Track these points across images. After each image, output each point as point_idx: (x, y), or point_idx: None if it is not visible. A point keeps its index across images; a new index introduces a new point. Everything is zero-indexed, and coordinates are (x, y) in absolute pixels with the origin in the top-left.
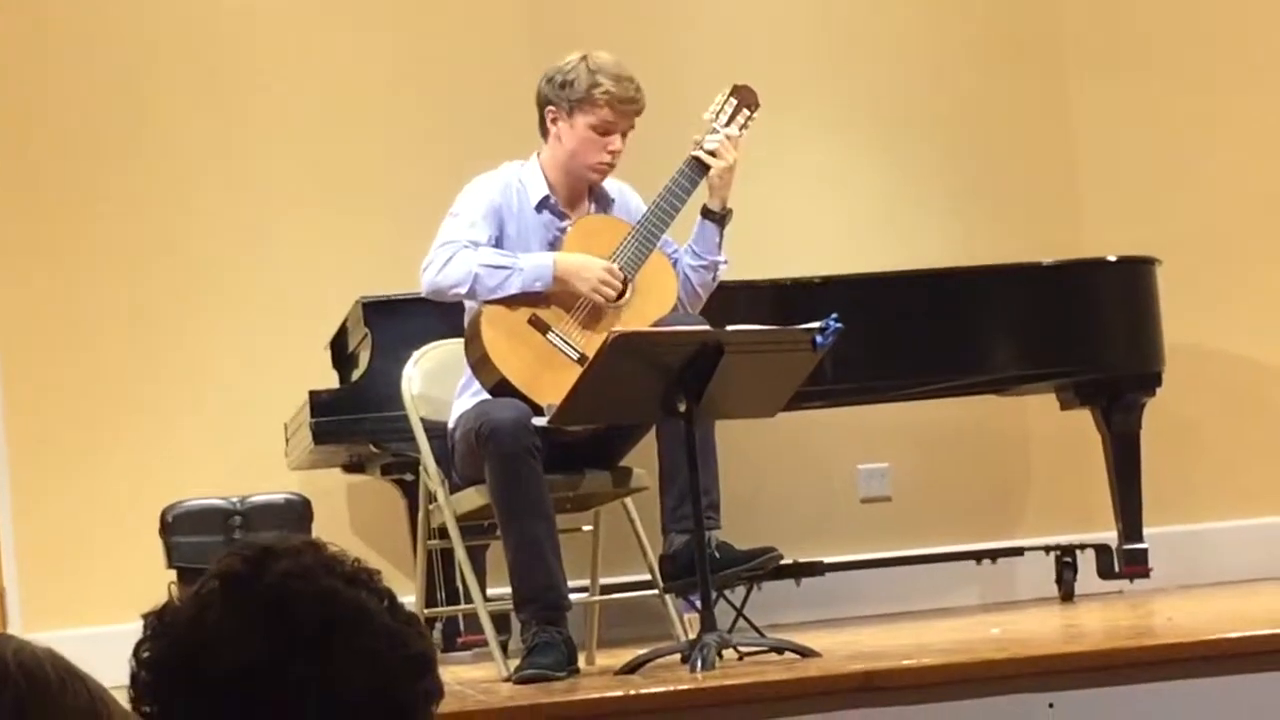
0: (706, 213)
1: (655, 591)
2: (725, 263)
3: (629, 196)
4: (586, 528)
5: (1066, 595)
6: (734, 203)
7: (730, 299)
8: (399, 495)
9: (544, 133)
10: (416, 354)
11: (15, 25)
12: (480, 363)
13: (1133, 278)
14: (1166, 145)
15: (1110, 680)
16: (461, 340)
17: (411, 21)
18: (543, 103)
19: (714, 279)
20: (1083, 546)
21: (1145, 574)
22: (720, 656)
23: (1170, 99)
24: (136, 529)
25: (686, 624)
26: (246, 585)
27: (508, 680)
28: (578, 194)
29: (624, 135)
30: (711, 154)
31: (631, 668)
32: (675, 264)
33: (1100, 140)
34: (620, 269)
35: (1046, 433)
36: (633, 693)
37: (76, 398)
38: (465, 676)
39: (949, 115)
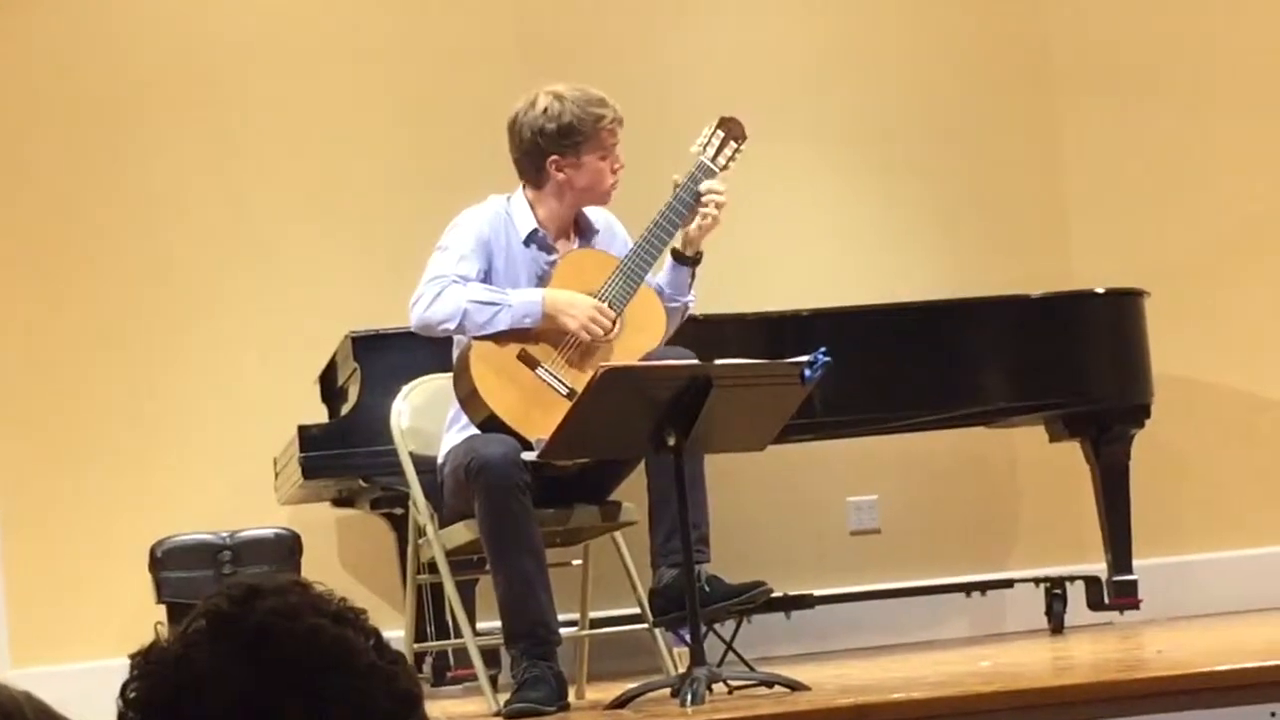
0: (679, 257)
1: (645, 625)
2: (694, 300)
3: (615, 227)
4: (576, 562)
5: (1056, 627)
6: (722, 235)
7: (718, 332)
8: (388, 530)
9: (539, 181)
10: (406, 388)
11: (2, 52)
12: (469, 398)
13: (1121, 309)
14: (1154, 176)
15: (1100, 713)
16: (450, 375)
17: (404, 55)
18: (541, 154)
19: (682, 318)
20: (1072, 578)
21: (1135, 605)
22: (710, 690)
23: (1158, 129)
24: (126, 564)
25: (676, 658)
26: (232, 624)
27: (497, 715)
28: (566, 226)
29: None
30: (706, 205)
31: (621, 702)
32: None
33: (1088, 171)
34: (609, 303)
35: (1035, 464)
36: None
37: (65, 432)
38: (455, 711)
39: (937, 147)
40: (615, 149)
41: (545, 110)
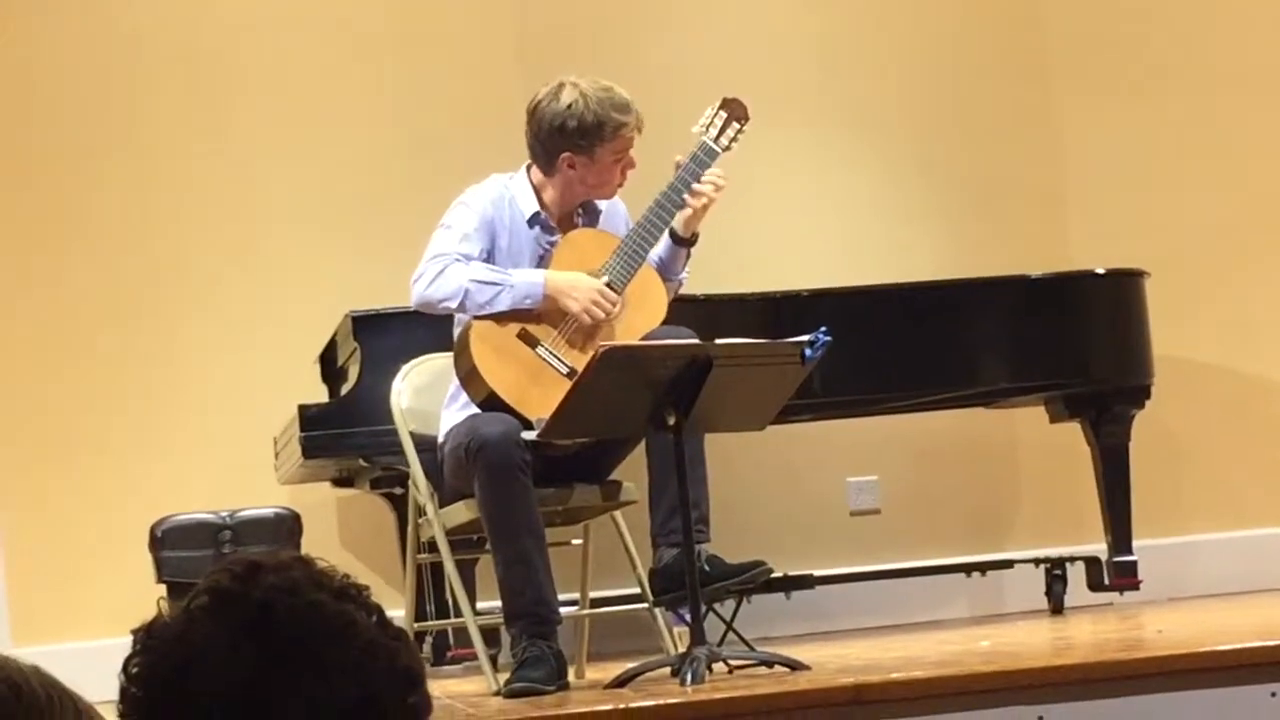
0: (676, 237)
1: (645, 605)
2: (685, 278)
3: (618, 206)
4: (576, 541)
5: (1056, 607)
6: (724, 217)
7: (719, 312)
8: (388, 509)
9: (548, 170)
10: (406, 368)
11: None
12: (469, 376)
13: (1121, 290)
14: (1154, 158)
15: (1100, 693)
16: (451, 354)
17: (401, 38)
18: (556, 148)
19: (674, 293)
20: (1072, 559)
21: (1135, 586)
22: (710, 670)
23: (1157, 112)
24: (126, 543)
25: (676, 637)
26: (235, 600)
27: (497, 694)
28: (569, 212)
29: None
30: (705, 186)
31: (621, 681)
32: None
33: (1088, 153)
34: (610, 283)
35: (1036, 445)
36: (622, 706)
37: (65, 412)
38: (455, 690)
39: (937, 128)
40: (629, 149)
41: (569, 106)
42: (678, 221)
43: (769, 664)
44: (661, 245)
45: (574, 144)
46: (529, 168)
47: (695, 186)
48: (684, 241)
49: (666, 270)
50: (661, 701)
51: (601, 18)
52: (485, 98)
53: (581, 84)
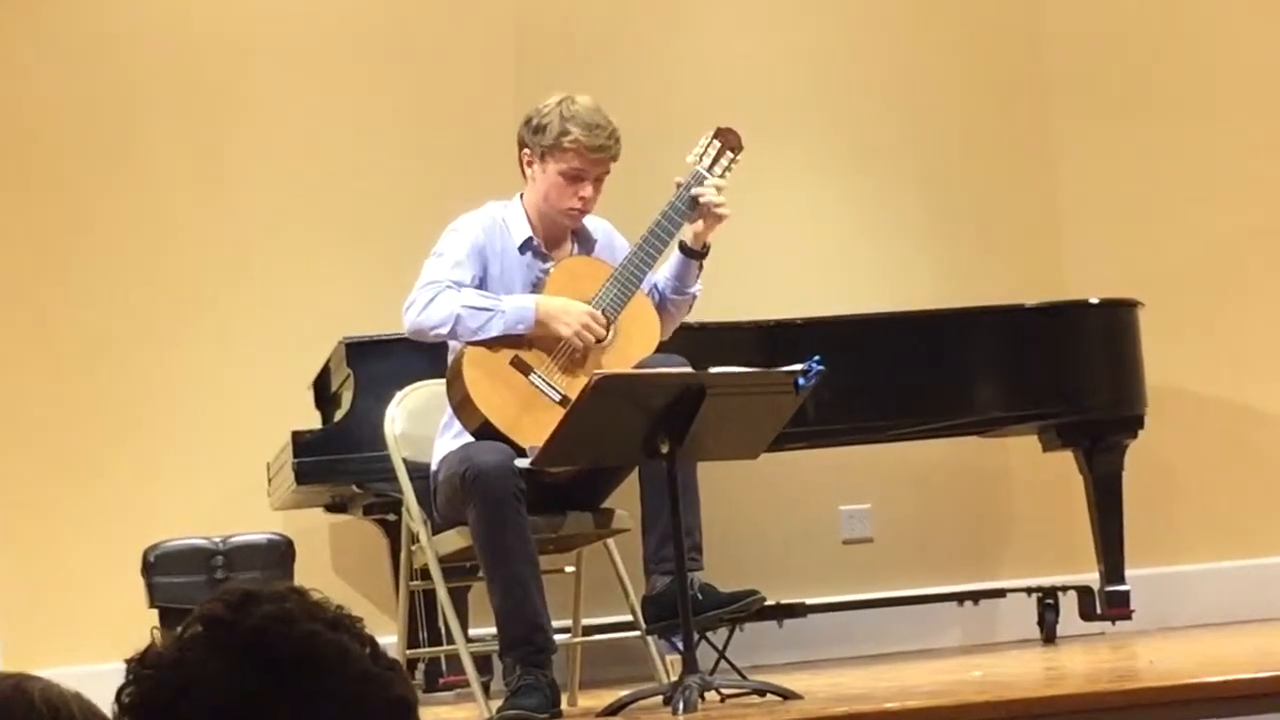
0: (688, 251)
1: (637, 633)
2: (700, 290)
3: (613, 236)
4: (569, 569)
5: (1048, 637)
6: (716, 244)
7: (712, 340)
8: (381, 535)
9: (523, 173)
10: (399, 394)
11: None
12: (462, 404)
13: (1115, 320)
14: (1148, 187)
15: None
16: (444, 381)
17: (398, 61)
18: (520, 144)
19: (689, 308)
20: (1064, 588)
21: (1127, 616)
22: (702, 698)
23: (1152, 141)
24: (118, 569)
25: (668, 665)
26: (228, 629)
27: None
28: (560, 235)
29: (598, 181)
30: (706, 205)
31: (614, 709)
32: (655, 293)
33: (1084, 180)
34: (603, 311)
35: (1029, 474)
36: None
37: (58, 437)
38: (447, 718)
39: (932, 156)
40: (585, 178)
41: (542, 106)
42: (687, 233)
43: (761, 693)
44: (672, 260)
45: (530, 140)
46: (523, 193)
47: (701, 200)
48: (695, 254)
49: (680, 284)
50: None
51: (602, 42)
52: (483, 124)
53: (578, 98)
